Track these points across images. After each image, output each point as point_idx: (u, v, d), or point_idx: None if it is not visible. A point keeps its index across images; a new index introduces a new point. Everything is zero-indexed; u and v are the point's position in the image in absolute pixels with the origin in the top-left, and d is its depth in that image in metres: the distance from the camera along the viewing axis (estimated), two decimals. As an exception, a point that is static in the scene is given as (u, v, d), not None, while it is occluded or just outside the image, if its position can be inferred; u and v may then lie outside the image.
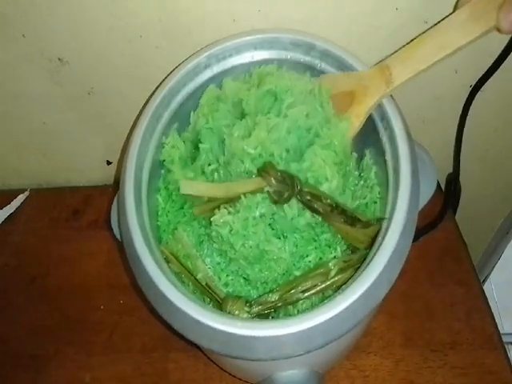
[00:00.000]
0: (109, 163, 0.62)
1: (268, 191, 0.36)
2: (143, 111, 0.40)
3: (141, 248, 0.34)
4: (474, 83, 0.49)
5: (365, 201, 0.39)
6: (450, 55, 0.36)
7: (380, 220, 0.35)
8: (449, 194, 0.56)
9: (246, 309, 0.36)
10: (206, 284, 0.38)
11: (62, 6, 0.43)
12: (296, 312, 0.37)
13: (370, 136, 0.39)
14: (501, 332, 0.49)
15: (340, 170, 0.38)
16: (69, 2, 0.43)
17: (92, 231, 0.59)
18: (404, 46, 0.37)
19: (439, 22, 0.36)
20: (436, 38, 0.36)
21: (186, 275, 0.38)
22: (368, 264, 0.32)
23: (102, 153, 0.61)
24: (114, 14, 0.44)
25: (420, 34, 0.36)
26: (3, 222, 0.61)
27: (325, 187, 0.37)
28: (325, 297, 0.37)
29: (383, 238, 0.32)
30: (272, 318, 0.37)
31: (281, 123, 0.37)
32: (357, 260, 0.37)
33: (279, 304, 0.36)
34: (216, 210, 0.37)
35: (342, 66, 0.39)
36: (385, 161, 0.37)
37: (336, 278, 0.36)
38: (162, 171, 0.42)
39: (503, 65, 0.46)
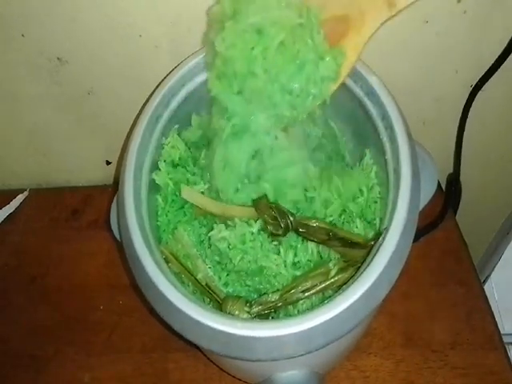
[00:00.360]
0: (108, 163, 0.62)
1: (264, 225, 0.37)
2: (143, 111, 0.40)
3: (140, 248, 0.34)
4: (474, 83, 0.49)
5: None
6: None
7: (377, 238, 0.35)
8: (449, 194, 0.56)
9: (246, 309, 0.36)
10: (206, 284, 0.38)
11: (62, 5, 0.43)
12: (296, 312, 0.37)
13: (370, 136, 0.39)
14: (501, 332, 0.49)
15: None
16: (68, 1, 0.43)
17: (92, 231, 0.59)
18: None
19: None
20: None
21: (185, 275, 0.38)
22: (368, 264, 0.32)
23: (101, 153, 0.61)
24: (114, 14, 0.44)
25: None
26: (3, 222, 0.61)
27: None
28: (325, 297, 0.37)
29: (383, 238, 0.32)
30: (272, 318, 0.37)
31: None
32: (357, 260, 0.36)
33: (279, 304, 0.36)
34: (214, 225, 0.37)
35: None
36: (385, 161, 0.37)
37: (336, 278, 0.36)
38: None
39: (504, 64, 0.46)
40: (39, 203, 0.62)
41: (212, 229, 0.38)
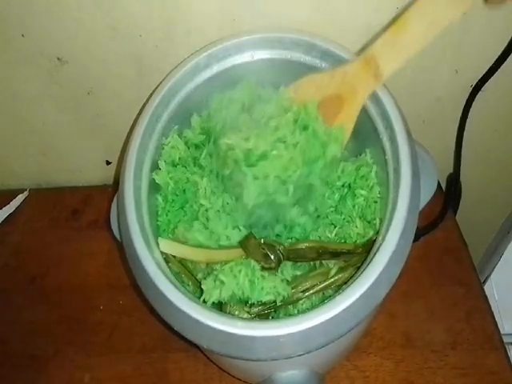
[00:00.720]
0: (108, 163, 0.62)
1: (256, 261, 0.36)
2: (143, 111, 0.40)
3: (141, 248, 0.34)
4: (474, 83, 0.49)
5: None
6: (440, 33, 0.30)
7: (367, 245, 0.35)
8: (449, 193, 0.56)
9: (246, 309, 0.36)
10: (204, 277, 0.38)
11: (61, 5, 0.43)
12: (296, 312, 0.37)
13: (370, 136, 0.39)
14: (501, 332, 0.49)
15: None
16: (68, 1, 0.43)
17: (92, 231, 0.59)
18: (386, 28, 0.32)
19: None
20: (423, 15, 0.30)
21: (185, 275, 0.38)
22: (368, 264, 0.32)
23: (101, 153, 0.61)
24: (114, 14, 0.44)
25: (401, 13, 0.31)
26: (3, 222, 0.61)
27: None
28: (325, 297, 0.37)
29: (383, 238, 0.32)
30: (272, 318, 0.37)
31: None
32: (357, 260, 0.36)
33: (279, 304, 0.36)
34: (203, 281, 0.36)
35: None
36: (385, 160, 0.37)
37: (336, 278, 0.36)
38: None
39: (504, 65, 0.46)
40: (39, 203, 0.62)
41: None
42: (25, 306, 0.54)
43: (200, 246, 0.39)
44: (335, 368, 0.47)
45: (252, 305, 0.36)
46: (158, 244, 0.37)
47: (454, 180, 0.55)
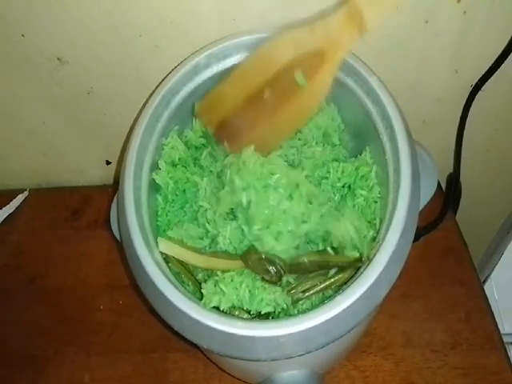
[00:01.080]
0: (108, 163, 0.62)
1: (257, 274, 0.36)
2: (143, 111, 0.40)
3: (140, 248, 0.34)
4: (474, 83, 0.49)
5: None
6: None
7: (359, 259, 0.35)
8: (449, 193, 0.56)
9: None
10: (205, 280, 0.38)
11: (61, 5, 0.43)
12: (296, 312, 0.37)
13: (370, 135, 0.39)
14: (501, 332, 0.49)
15: None
16: (68, 1, 0.43)
17: (91, 231, 0.59)
18: None
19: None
20: None
21: (185, 275, 0.38)
22: (368, 264, 0.32)
23: (101, 153, 0.61)
24: (114, 14, 0.44)
25: None
26: (2, 222, 0.61)
27: None
28: (325, 297, 0.37)
29: (383, 238, 0.32)
30: (272, 318, 0.37)
31: None
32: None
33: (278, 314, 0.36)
34: (203, 284, 0.36)
35: (342, 65, 0.39)
36: (385, 160, 0.37)
37: (336, 278, 0.36)
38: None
39: (504, 64, 0.46)
40: (39, 203, 0.62)
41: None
42: (25, 306, 0.54)
43: (195, 244, 0.39)
44: (335, 368, 0.47)
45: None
46: (158, 244, 0.37)
47: (454, 180, 0.55)
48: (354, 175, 0.40)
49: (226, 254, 0.38)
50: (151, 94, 0.40)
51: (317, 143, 0.42)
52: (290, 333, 0.30)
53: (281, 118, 0.38)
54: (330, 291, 0.37)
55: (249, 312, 0.35)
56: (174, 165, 0.41)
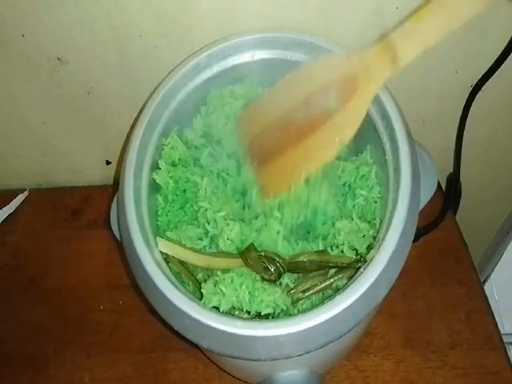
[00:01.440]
0: (108, 163, 0.62)
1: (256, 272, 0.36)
2: (143, 111, 0.40)
3: (140, 248, 0.34)
4: (474, 83, 0.49)
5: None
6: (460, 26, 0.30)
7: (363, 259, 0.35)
8: (449, 193, 0.56)
9: (246, 309, 0.36)
10: (205, 279, 0.38)
11: (62, 5, 0.43)
12: (296, 312, 0.37)
13: (370, 135, 0.39)
14: (501, 332, 0.49)
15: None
16: (68, 1, 0.43)
17: (91, 231, 0.59)
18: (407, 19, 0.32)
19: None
20: (445, 8, 0.30)
21: (185, 275, 0.38)
22: (368, 264, 0.32)
23: (101, 153, 0.61)
24: (114, 14, 0.44)
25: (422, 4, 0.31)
26: (2, 222, 0.61)
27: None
28: (325, 297, 0.37)
29: (383, 238, 0.32)
30: (272, 318, 0.37)
31: None
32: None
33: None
34: (203, 284, 0.36)
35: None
36: (385, 160, 0.37)
37: (336, 278, 0.36)
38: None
39: (504, 64, 0.46)
40: (39, 203, 0.62)
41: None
42: (25, 306, 0.54)
43: (193, 245, 0.39)
44: (335, 368, 0.47)
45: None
46: (157, 244, 0.37)
47: (454, 180, 0.55)
48: (355, 174, 0.40)
49: (226, 254, 0.38)
50: (151, 94, 0.40)
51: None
52: (290, 333, 0.30)
53: (309, 144, 0.36)
54: (329, 291, 0.37)
55: (248, 313, 0.35)
56: (174, 165, 0.41)
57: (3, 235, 0.60)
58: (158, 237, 0.37)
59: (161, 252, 0.37)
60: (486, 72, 0.47)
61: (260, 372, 0.39)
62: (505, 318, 0.67)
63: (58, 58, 0.48)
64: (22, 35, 0.46)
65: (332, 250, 0.38)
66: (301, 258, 0.37)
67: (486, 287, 0.67)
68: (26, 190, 0.63)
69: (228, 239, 0.38)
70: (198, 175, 0.41)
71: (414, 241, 0.33)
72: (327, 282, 0.36)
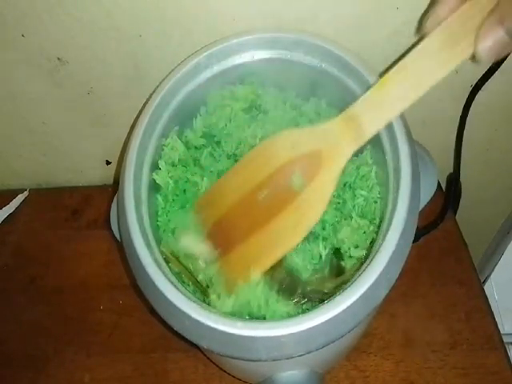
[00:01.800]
0: (108, 163, 0.62)
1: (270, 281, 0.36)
2: (143, 111, 0.39)
3: (140, 248, 0.34)
4: (474, 83, 0.49)
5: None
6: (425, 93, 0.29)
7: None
8: (449, 194, 0.56)
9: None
10: (207, 285, 0.38)
11: (62, 5, 0.43)
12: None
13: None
14: (501, 332, 0.49)
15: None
16: (68, 1, 0.43)
17: (91, 231, 0.59)
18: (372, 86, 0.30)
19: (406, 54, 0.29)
20: (408, 75, 0.28)
21: (186, 275, 0.38)
22: (368, 264, 0.32)
23: (101, 153, 0.61)
24: (113, 14, 0.44)
25: (388, 70, 0.29)
26: (2, 222, 0.61)
27: None
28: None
29: (383, 238, 0.32)
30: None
31: None
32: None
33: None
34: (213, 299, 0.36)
35: (343, 66, 0.39)
36: (385, 160, 0.37)
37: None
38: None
39: (504, 64, 0.46)
40: (39, 203, 0.62)
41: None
42: (25, 306, 0.54)
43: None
44: (335, 368, 0.47)
45: None
46: (158, 244, 0.37)
47: (454, 180, 0.55)
48: (355, 174, 0.40)
49: None
50: (151, 94, 0.40)
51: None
52: (291, 333, 0.30)
53: (275, 227, 0.34)
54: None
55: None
56: (173, 165, 0.41)
57: (3, 235, 0.60)
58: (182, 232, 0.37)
59: (161, 252, 0.37)
60: (485, 72, 0.47)
61: (260, 372, 0.39)
62: (505, 318, 0.67)
63: (58, 58, 0.48)
64: (22, 35, 0.46)
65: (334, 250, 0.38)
66: (324, 288, 0.36)
67: (486, 287, 0.67)
68: (26, 189, 0.63)
69: None
70: (198, 175, 0.41)
71: (414, 241, 0.33)
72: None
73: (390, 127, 0.36)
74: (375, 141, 0.38)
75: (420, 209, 0.35)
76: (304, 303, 0.36)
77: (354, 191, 0.40)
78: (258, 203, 0.35)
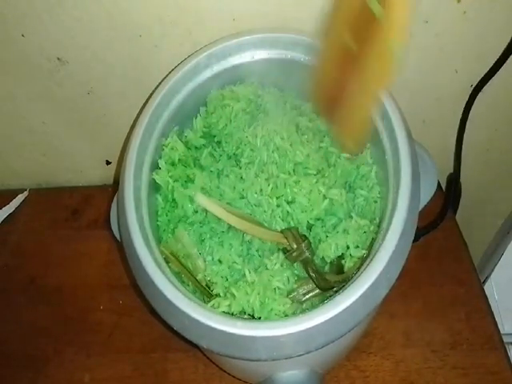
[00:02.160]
0: (108, 163, 0.62)
1: (285, 248, 0.37)
2: (143, 111, 0.40)
3: (140, 248, 0.34)
4: (474, 83, 0.49)
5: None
6: None
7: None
8: (449, 194, 0.56)
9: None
10: (206, 284, 0.38)
11: (62, 5, 0.43)
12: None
13: (370, 136, 0.39)
14: (501, 332, 0.49)
15: None
16: (68, 1, 0.43)
17: (91, 231, 0.59)
18: None
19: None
20: None
21: (185, 275, 0.38)
22: (368, 264, 0.32)
23: (101, 153, 0.61)
24: (113, 14, 0.44)
25: None
26: (2, 222, 0.61)
27: None
28: (325, 297, 0.37)
29: (383, 238, 0.32)
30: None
31: None
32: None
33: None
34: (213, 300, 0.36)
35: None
36: (385, 160, 0.37)
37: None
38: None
39: (504, 65, 0.46)
40: (39, 203, 0.62)
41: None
42: (24, 306, 0.54)
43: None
44: (335, 368, 0.47)
45: None
46: (158, 244, 0.37)
47: (454, 180, 0.55)
48: (355, 174, 0.40)
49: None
50: (151, 94, 0.40)
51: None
52: (290, 333, 0.30)
53: (367, 68, 0.33)
54: (330, 291, 0.37)
55: (252, 317, 0.35)
56: (173, 165, 0.41)
57: (3, 235, 0.60)
58: (197, 192, 0.38)
59: (161, 252, 0.37)
60: (486, 72, 0.47)
61: (260, 372, 0.39)
62: (505, 318, 0.67)
63: (58, 58, 0.48)
64: (22, 35, 0.46)
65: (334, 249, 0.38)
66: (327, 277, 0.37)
67: (486, 287, 0.67)
68: (26, 190, 0.63)
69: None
70: (198, 175, 0.41)
71: (414, 241, 0.33)
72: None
73: (390, 127, 0.36)
74: (375, 141, 0.38)
75: (420, 209, 0.35)
76: (294, 291, 0.37)
77: (354, 191, 0.40)
78: (349, 53, 0.34)
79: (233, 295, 0.35)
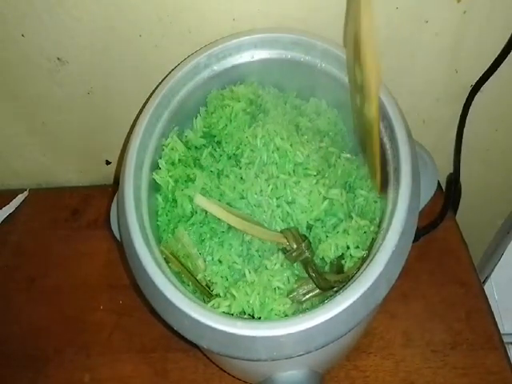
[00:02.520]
0: (108, 163, 0.62)
1: (284, 247, 0.37)
2: (143, 110, 0.40)
3: (140, 248, 0.34)
4: (474, 83, 0.49)
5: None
6: None
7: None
8: (449, 194, 0.56)
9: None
10: (206, 284, 0.38)
11: (61, 5, 0.43)
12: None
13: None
14: (501, 332, 0.49)
15: None
16: (68, 1, 0.43)
17: (91, 231, 0.59)
18: None
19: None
20: None
21: (185, 275, 0.38)
22: (368, 264, 0.32)
23: (101, 153, 0.61)
24: (114, 14, 0.44)
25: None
26: (3, 222, 0.61)
27: None
28: (325, 297, 0.37)
29: (383, 239, 0.32)
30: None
31: None
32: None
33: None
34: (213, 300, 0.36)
35: (343, 66, 0.39)
36: (385, 161, 0.37)
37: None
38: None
39: (503, 64, 0.46)
40: (39, 203, 0.62)
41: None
42: (24, 307, 0.54)
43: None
44: (335, 368, 0.47)
45: None
46: (157, 244, 0.37)
47: (453, 180, 0.55)
48: (355, 174, 0.40)
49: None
50: (151, 94, 0.40)
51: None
52: (290, 333, 0.30)
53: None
54: (330, 291, 0.37)
55: (252, 316, 0.35)
56: (173, 165, 0.41)
57: (3, 235, 0.60)
58: (197, 193, 0.38)
59: (161, 252, 0.37)
60: (485, 72, 0.47)
61: (260, 372, 0.39)
62: (505, 318, 0.67)
63: (58, 58, 0.48)
64: (21, 35, 0.46)
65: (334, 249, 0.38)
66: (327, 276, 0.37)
67: (486, 287, 0.67)
68: (26, 190, 0.63)
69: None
70: (198, 175, 0.41)
71: (414, 241, 0.33)
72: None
73: (390, 127, 0.36)
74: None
75: (420, 209, 0.35)
76: (294, 291, 0.36)
77: (354, 191, 0.40)
78: None
79: (233, 295, 0.35)
